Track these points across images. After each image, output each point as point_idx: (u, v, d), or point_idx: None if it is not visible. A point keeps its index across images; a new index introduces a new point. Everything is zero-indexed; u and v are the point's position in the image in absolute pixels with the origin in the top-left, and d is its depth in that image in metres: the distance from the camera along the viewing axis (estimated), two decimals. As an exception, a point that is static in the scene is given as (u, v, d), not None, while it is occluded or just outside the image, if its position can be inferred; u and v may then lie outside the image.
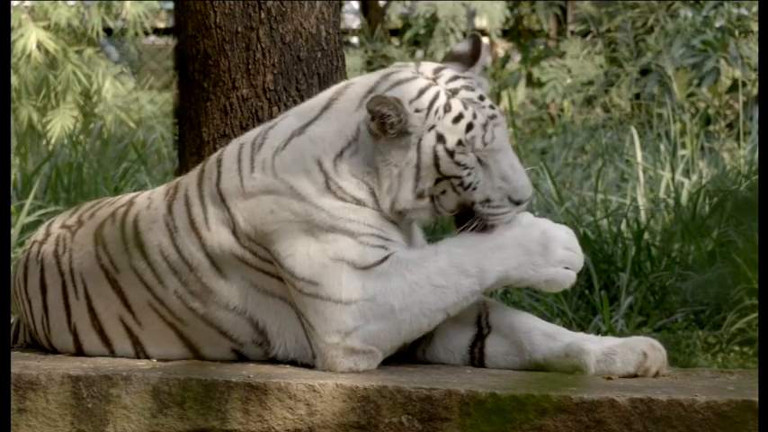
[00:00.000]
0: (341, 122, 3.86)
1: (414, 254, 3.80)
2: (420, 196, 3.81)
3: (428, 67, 3.91)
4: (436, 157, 3.79)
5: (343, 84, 3.98)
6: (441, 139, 3.80)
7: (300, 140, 3.87)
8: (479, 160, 3.80)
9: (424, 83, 3.85)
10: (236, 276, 3.89)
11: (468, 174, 3.80)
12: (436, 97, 3.82)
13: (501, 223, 3.81)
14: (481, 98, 3.85)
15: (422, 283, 3.75)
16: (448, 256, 3.77)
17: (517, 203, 3.81)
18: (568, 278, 3.82)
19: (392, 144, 3.79)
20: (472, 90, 3.86)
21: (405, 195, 3.81)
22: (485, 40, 4.05)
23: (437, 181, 3.80)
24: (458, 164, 3.79)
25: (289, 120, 3.96)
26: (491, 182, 3.81)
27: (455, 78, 3.87)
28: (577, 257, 3.83)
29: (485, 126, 3.81)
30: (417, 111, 3.79)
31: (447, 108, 3.81)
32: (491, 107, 3.84)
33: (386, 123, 3.76)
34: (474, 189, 3.81)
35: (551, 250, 3.79)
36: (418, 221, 3.93)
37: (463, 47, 3.99)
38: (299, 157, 3.85)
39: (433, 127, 3.80)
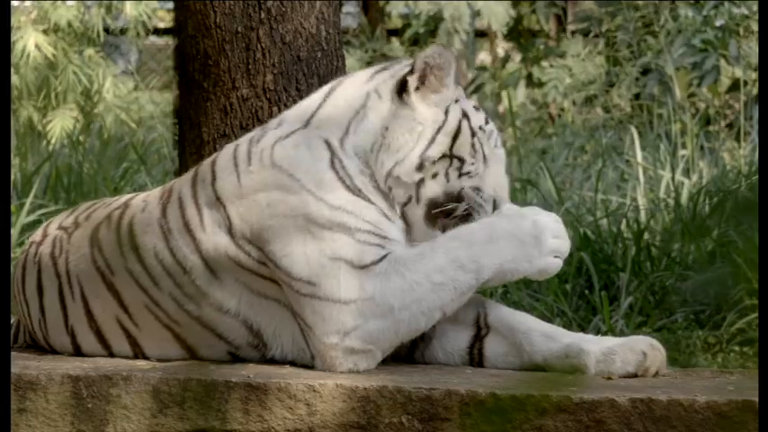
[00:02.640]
0: (348, 98, 3.91)
1: (411, 251, 3.79)
2: (420, 167, 3.84)
3: None
4: (459, 129, 3.87)
5: (336, 80, 4.04)
6: (465, 115, 3.88)
7: (306, 130, 3.90)
8: (485, 158, 3.88)
9: None
10: (229, 279, 3.87)
11: (473, 163, 3.87)
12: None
13: (477, 218, 3.86)
14: (476, 109, 3.97)
15: (421, 281, 3.74)
16: (445, 251, 3.76)
17: (494, 209, 3.89)
18: (557, 266, 3.85)
19: (424, 100, 3.86)
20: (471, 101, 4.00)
21: (411, 158, 3.84)
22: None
23: (442, 156, 3.84)
24: (472, 146, 3.87)
25: (288, 119, 3.97)
26: (484, 182, 3.89)
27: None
28: (565, 244, 3.85)
29: (496, 131, 3.94)
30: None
31: (468, 95, 3.91)
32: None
33: (434, 75, 3.84)
34: (470, 178, 3.87)
35: (543, 241, 3.80)
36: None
37: None
38: (303, 141, 3.86)
39: (458, 101, 3.89)
